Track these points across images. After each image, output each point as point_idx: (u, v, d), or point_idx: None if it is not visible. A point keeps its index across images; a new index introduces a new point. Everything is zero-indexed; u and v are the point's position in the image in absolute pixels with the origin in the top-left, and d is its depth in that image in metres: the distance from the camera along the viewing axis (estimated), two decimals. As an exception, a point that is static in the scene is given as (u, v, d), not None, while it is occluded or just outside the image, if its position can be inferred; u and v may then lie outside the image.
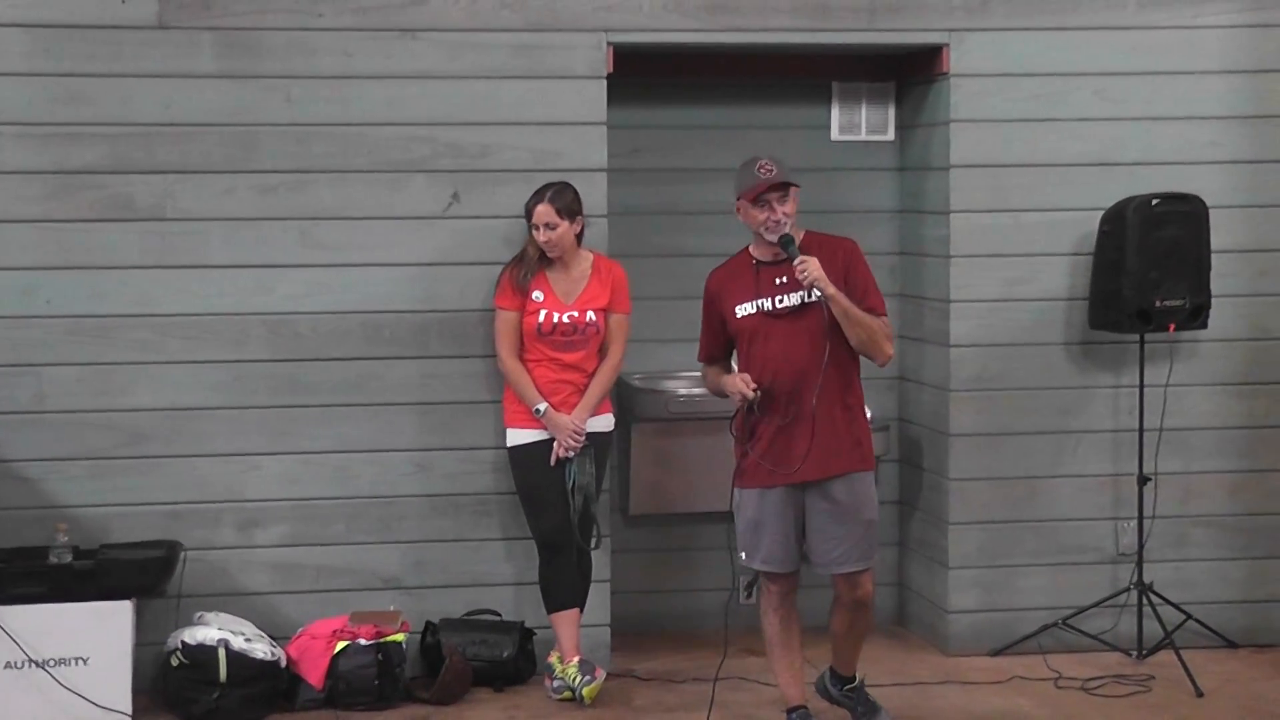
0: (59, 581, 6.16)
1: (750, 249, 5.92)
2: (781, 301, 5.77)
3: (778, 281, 5.78)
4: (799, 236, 5.82)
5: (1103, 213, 6.94)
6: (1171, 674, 6.69)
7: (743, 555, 5.90)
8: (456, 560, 6.79)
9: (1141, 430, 7.00)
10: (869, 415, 5.99)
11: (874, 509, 5.88)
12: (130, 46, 6.49)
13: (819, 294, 5.65)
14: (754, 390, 5.70)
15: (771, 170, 5.75)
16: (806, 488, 5.79)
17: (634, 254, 7.07)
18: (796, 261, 5.67)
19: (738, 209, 5.84)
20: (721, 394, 5.97)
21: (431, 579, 6.77)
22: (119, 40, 6.49)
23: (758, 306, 5.79)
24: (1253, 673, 6.89)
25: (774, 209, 5.72)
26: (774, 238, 5.75)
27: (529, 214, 6.49)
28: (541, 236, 6.45)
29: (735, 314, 5.82)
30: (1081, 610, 7.07)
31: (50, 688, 6.09)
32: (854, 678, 6.15)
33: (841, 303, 5.67)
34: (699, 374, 7.29)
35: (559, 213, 6.45)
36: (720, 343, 5.96)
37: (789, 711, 5.99)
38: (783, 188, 5.74)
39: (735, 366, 5.97)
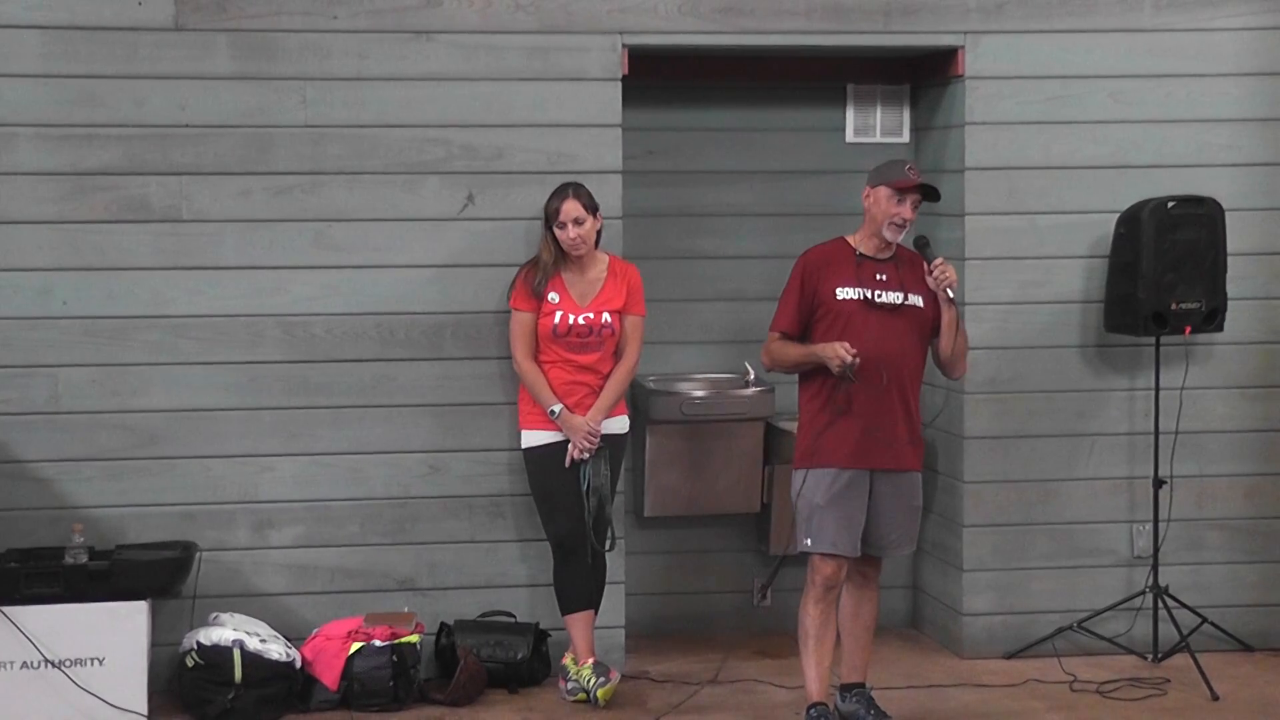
0: (74, 582, 6.17)
1: (850, 240, 6.05)
2: (880, 296, 5.93)
3: (878, 277, 5.96)
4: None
5: (1118, 215, 6.94)
6: (1187, 677, 6.69)
7: (808, 542, 5.94)
8: (471, 562, 6.79)
9: (1157, 433, 6.99)
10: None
11: (921, 498, 6.14)
12: (146, 48, 6.50)
13: (948, 295, 5.89)
14: (854, 355, 5.79)
15: (918, 173, 5.98)
16: (876, 475, 5.93)
17: (648, 256, 7.07)
18: (937, 261, 5.91)
19: (866, 195, 5.99)
20: (800, 365, 6.00)
21: (446, 580, 6.77)
22: (135, 42, 6.49)
23: (860, 294, 5.93)
24: (1268, 676, 6.88)
25: (908, 208, 5.92)
26: (894, 236, 5.96)
27: (554, 214, 6.45)
28: (571, 233, 6.44)
29: (835, 294, 5.94)
30: (1097, 613, 7.05)
31: (66, 688, 6.10)
32: (863, 684, 6.17)
33: (954, 312, 5.93)
34: (713, 376, 7.34)
35: (585, 208, 6.45)
36: (802, 318, 6.01)
37: (809, 707, 6.00)
38: (927, 193, 5.97)
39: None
